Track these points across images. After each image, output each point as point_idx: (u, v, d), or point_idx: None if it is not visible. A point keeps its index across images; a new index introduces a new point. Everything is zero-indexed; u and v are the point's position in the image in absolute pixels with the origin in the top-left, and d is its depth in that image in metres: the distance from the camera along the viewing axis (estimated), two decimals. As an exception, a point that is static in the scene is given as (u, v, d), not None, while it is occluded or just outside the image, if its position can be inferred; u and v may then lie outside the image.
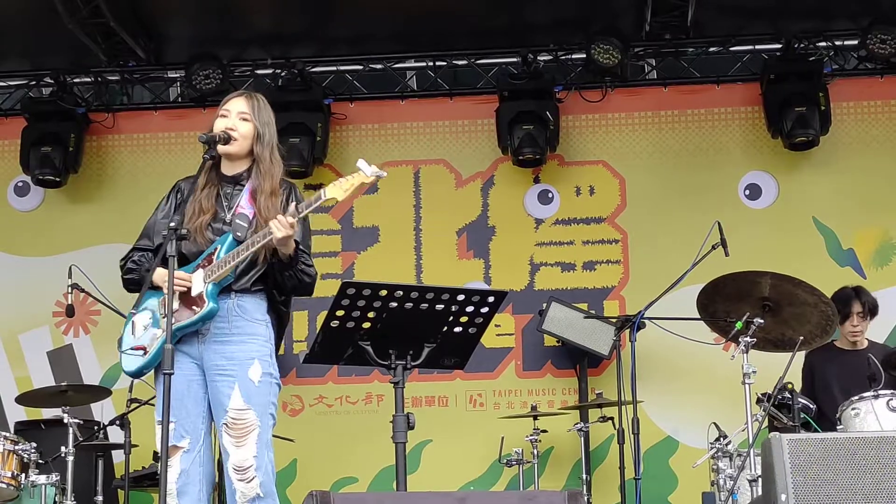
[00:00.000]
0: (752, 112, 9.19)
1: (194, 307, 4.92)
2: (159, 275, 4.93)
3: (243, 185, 5.14)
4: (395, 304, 4.65)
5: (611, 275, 9.09)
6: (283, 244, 4.88)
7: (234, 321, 4.97)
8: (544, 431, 8.26)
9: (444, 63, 9.42)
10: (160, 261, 4.83)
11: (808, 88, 8.82)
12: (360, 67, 9.47)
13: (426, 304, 4.68)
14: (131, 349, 5.00)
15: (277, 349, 5.11)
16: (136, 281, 5.18)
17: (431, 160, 9.34)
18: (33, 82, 9.57)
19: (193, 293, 4.91)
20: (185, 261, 5.02)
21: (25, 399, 8.05)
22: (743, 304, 6.67)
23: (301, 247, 5.02)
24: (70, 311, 7.83)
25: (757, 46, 9.19)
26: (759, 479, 5.99)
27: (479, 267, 9.19)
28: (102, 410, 8.39)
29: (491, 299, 4.79)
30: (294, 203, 5.02)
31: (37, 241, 9.41)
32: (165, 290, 4.86)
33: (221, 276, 4.91)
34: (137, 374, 5.09)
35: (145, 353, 4.97)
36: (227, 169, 5.19)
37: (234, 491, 4.88)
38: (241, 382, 4.89)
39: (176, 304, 4.90)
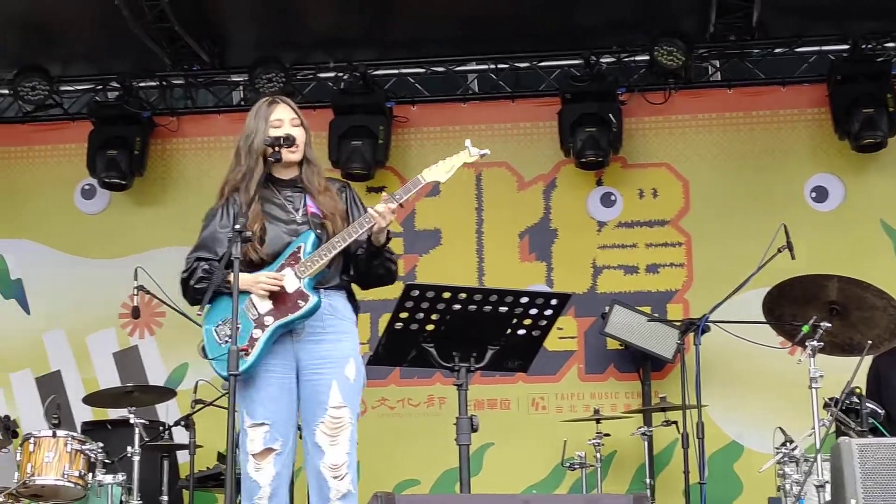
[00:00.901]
0: (819, 114, 9.08)
1: (298, 301, 4.98)
2: (245, 280, 4.97)
3: (300, 188, 5.21)
4: (458, 307, 4.64)
5: (674, 278, 9.03)
6: (381, 233, 4.98)
7: (327, 320, 5.05)
8: (607, 435, 8.21)
9: (506, 65, 9.40)
10: (229, 264, 4.87)
11: (875, 89, 8.70)
12: (422, 70, 9.48)
13: (489, 307, 4.67)
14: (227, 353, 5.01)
15: None
16: (206, 290, 5.19)
17: (493, 163, 9.31)
18: (100, 87, 9.67)
19: (289, 290, 4.98)
20: (255, 267, 5.09)
21: (92, 400, 8.13)
22: (809, 308, 6.62)
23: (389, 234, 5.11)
24: (136, 313, 7.91)
25: (823, 47, 9.09)
26: (827, 485, 5.93)
27: (542, 270, 9.16)
28: (167, 411, 8.46)
29: (554, 302, 4.77)
30: (357, 199, 5.14)
31: (103, 244, 9.50)
32: (256, 292, 4.95)
33: (315, 270, 5.01)
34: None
35: (247, 355, 4.98)
36: (281, 174, 5.28)
37: (326, 489, 4.92)
38: (339, 380, 4.98)
39: (268, 305, 4.97)
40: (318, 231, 5.07)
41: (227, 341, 4.94)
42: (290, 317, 4.99)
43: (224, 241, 5.07)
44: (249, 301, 5.03)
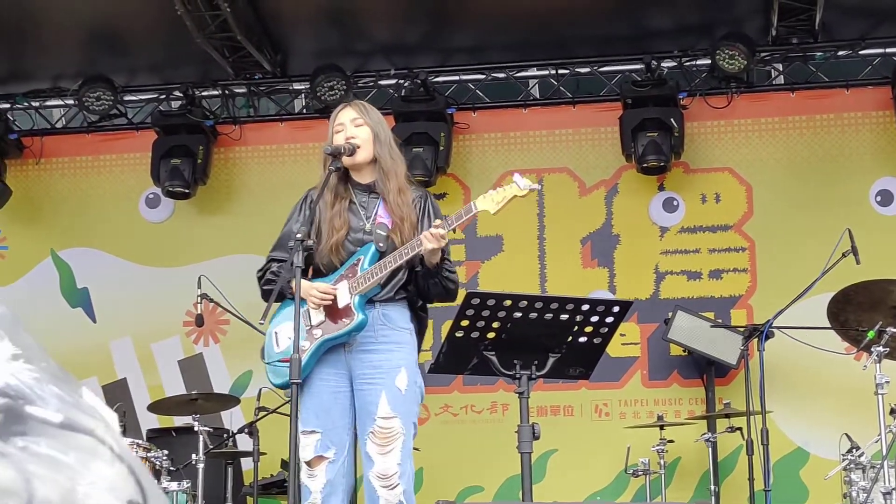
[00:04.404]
0: (884, 117, 8.98)
1: (343, 319, 4.98)
2: (303, 288, 4.97)
3: (377, 193, 5.19)
4: (519, 314, 4.62)
5: (738, 283, 8.96)
6: (432, 255, 4.93)
7: (379, 330, 5.02)
8: (671, 441, 8.16)
9: (567, 71, 9.38)
10: (295, 274, 4.88)
11: (941, 91, 8.61)
12: (483, 76, 9.48)
13: (550, 314, 4.65)
14: (279, 361, 5.04)
15: (418, 354, 5.16)
16: (272, 291, 5.24)
17: (555, 168, 9.31)
18: (163, 96, 9.77)
19: (339, 305, 4.98)
20: (319, 274, 5.10)
21: (157, 407, 8.21)
22: (875, 313, 6.54)
23: (444, 254, 5.07)
24: (199, 321, 7.96)
25: (887, 49, 8.99)
26: (894, 492, 5.86)
27: (604, 275, 9.12)
28: (231, 418, 8.52)
29: (616, 309, 4.74)
30: (432, 211, 5.10)
31: (167, 252, 9.59)
32: (309, 303, 4.97)
33: (368, 287, 4.96)
34: (286, 385, 5.01)
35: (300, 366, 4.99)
36: (359, 177, 5.24)
37: (376, 499, 4.92)
38: (388, 391, 4.95)
39: (321, 316, 5.00)
40: (381, 245, 5.04)
41: (286, 347, 4.97)
42: (335, 333, 4.98)
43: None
44: (307, 309, 5.04)
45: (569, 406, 8.93)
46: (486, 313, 4.62)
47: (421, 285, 5.10)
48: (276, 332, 5.15)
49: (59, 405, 1.77)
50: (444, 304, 5.26)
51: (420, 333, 5.24)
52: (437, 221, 4.95)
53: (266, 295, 5.18)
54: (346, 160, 5.15)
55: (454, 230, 5.03)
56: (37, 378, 1.80)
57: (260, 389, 7.75)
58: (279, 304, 5.22)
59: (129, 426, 7.88)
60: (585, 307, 4.70)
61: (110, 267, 9.62)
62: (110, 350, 9.52)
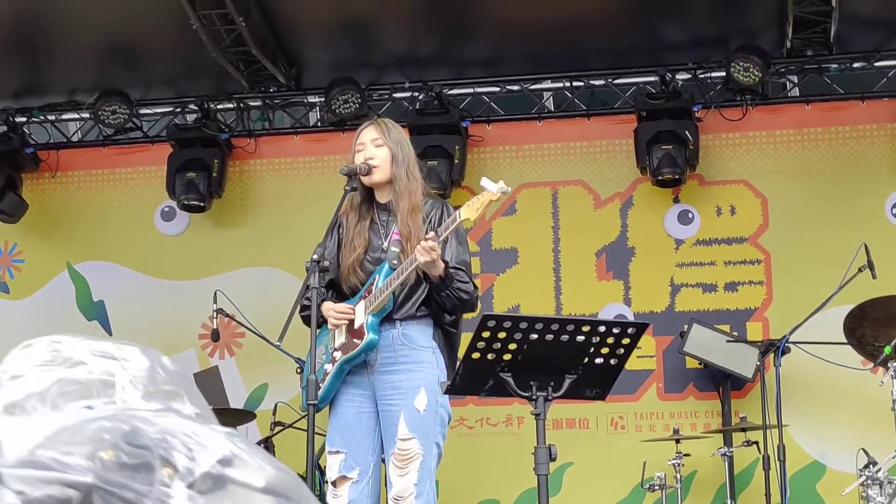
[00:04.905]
0: (899, 129, 8.98)
1: (355, 340, 5.00)
2: (323, 308, 5.03)
3: (392, 211, 5.21)
4: (535, 336, 4.61)
5: (753, 296, 8.94)
6: (429, 267, 4.93)
7: (399, 350, 5.04)
8: (687, 455, 8.13)
9: (581, 83, 9.37)
10: (312, 295, 4.90)
11: (957, 103, 8.59)
12: (497, 89, 9.48)
13: (567, 336, 4.64)
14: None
15: (453, 371, 5.12)
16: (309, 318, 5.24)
17: (569, 181, 9.31)
18: (178, 109, 9.79)
19: (356, 325, 5.00)
20: (344, 296, 5.13)
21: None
22: (891, 329, 6.54)
23: (455, 264, 5.07)
24: (215, 336, 7.99)
25: (903, 61, 8.99)
26: (911, 510, 5.86)
27: (619, 288, 9.11)
28: (247, 433, 8.52)
29: (632, 331, 4.73)
30: (440, 217, 5.11)
31: (182, 265, 9.60)
32: (329, 324, 4.98)
33: (378, 305, 4.98)
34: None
35: (318, 389, 5.01)
36: (379, 196, 5.28)
37: None
38: (406, 412, 4.96)
39: (344, 338, 5.00)
40: (394, 262, 5.05)
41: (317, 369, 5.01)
42: (350, 354, 5.00)
43: (330, 265, 5.12)
44: (332, 332, 5.07)
45: (584, 419, 8.92)
46: (502, 335, 4.60)
47: (435, 298, 5.11)
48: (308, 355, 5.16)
49: (258, 468, 1.81)
50: (462, 314, 5.26)
51: (451, 349, 5.21)
52: (430, 234, 4.94)
53: (305, 321, 5.18)
54: (363, 179, 5.19)
55: (444, 240, 5.02)
56: (242, 445, 1.84)
57: (276, 404, 7.77)
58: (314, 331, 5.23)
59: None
60: (602, 329, 4.68)
61: (126, 280, 9.64)
62: (126, 363, 9.51)
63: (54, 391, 1.88)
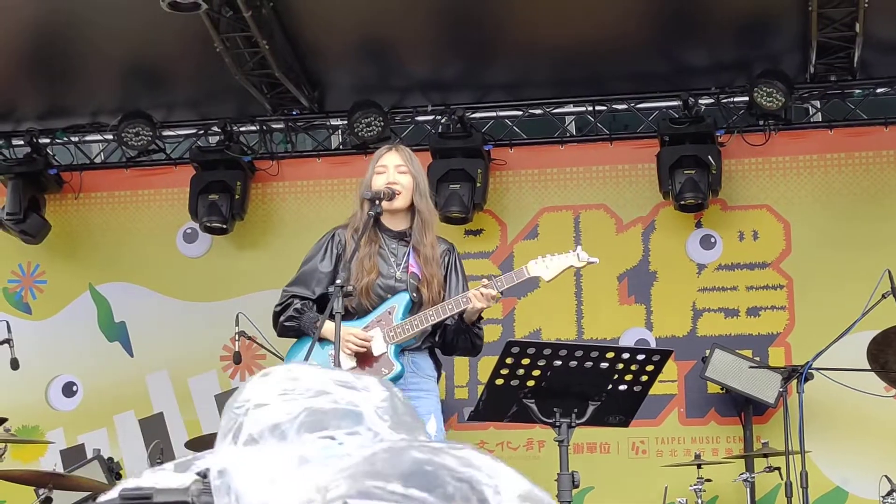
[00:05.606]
0: (923, 154, 8.95)
1: (383, 369, 4.99)
2: (329, 329, 4.97)
3: (408, 241, 5.20)
4: (559, 363, 4.62)
5: (776, 321, 8.91)
6: (474, 313, 4.95)
7: (409, 378, 5.06)
8: (709, 480, 8.08)
9: (604, 107, 9.37)
10: (328, 316, 4.89)
11: (980, 129, 8.56)
12: (520, 113, 9.49)
13: (590, 363, 4.65)
14: None
15: None
16: (295, 329, 5.25)
17: (592, 205, 9.29)
18: (201, 132, 9.82)
19: (375, 353, 4.99)
20: (347, 316, 5.10)
21: (194, 445, 8.20)
22: (915, 356, 6.51)
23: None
24: (237, 359, 8.02)
25: (926, 87, 8.97)
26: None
27: (641, 313, 9.09)
28: (268, 455, 8.50)
29: (656, 358, 4.73)
30: (458, 267, 5.11)
31: (204, 287, 9.62)
32: (343, 348, 4.97)
33: (406, 338, 4.98)
34: None
35: None
36: (391, 223, 5.25)
37: None
38: None
39: (351, 363, 4.98)
40: (414, 295, 5.05)
41: None
42: None
43: (322, 281, 5.12)
44: (332, 354, 5.04)
45: (605, 443, 8.89)
46: (525, 361, 4.62)
47: (449, 339, 5.13)
48: None
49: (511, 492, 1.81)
50: (464, 357, 5.30)
51: (438, 381, 5.28)
52: (485, 281, 4.97)
53: (284, 332, 5.20)
54: (383, 204, 5.17)
55: (502, 293, 5.05)
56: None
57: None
58: (295, 340, 5.24)
59: (166, 462, 7.87)
60: (625, 356, 4.69)
61: (148, 301, 9.66)
62: (147, 384, 9.55)
63: (300, 420, 1.89)
